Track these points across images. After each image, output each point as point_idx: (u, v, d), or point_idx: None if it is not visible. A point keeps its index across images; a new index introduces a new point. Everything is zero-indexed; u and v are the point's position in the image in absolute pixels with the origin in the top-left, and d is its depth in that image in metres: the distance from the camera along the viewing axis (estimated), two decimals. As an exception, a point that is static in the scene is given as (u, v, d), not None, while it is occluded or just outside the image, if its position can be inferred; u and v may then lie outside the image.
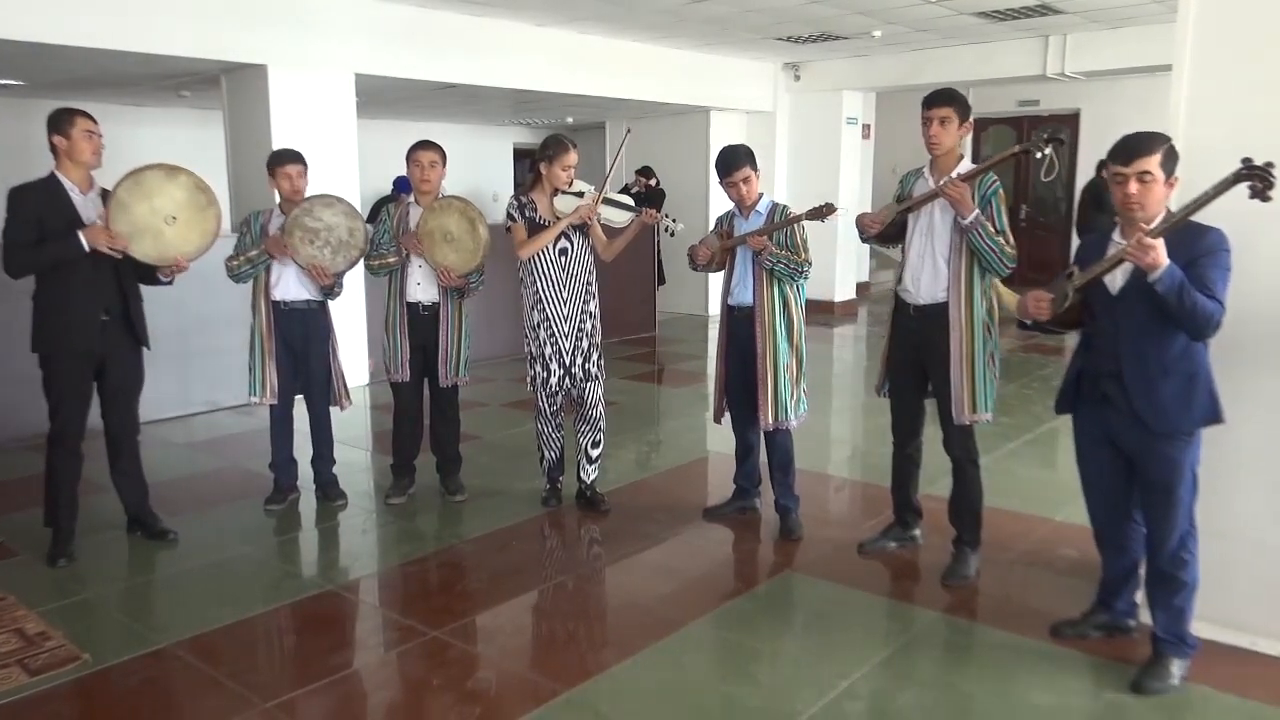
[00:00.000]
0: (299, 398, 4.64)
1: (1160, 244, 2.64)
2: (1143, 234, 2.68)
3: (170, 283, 4.05)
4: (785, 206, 4.16)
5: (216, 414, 6.47)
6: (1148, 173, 2.75)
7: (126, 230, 3.81)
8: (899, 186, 3.90)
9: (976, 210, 3.47)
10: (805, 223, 4.05)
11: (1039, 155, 3.44)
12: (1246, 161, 2.60)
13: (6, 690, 2.98)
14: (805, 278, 4.09)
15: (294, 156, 4.50)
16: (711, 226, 4.47)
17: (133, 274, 3.99)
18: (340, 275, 4.50)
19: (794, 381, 4.15)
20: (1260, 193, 2.58)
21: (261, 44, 6.62)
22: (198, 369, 6.35)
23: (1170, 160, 2.77)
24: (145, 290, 4.09)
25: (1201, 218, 2.72)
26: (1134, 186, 2.77)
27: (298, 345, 4.52)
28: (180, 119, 10.63)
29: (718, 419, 4.43)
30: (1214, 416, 2.84)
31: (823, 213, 3.99)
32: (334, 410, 4.72)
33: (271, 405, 4.55)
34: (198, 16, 6.23)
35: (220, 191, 7.00)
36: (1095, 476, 3.12)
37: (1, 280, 3.89)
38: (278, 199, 4.52)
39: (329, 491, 4.76)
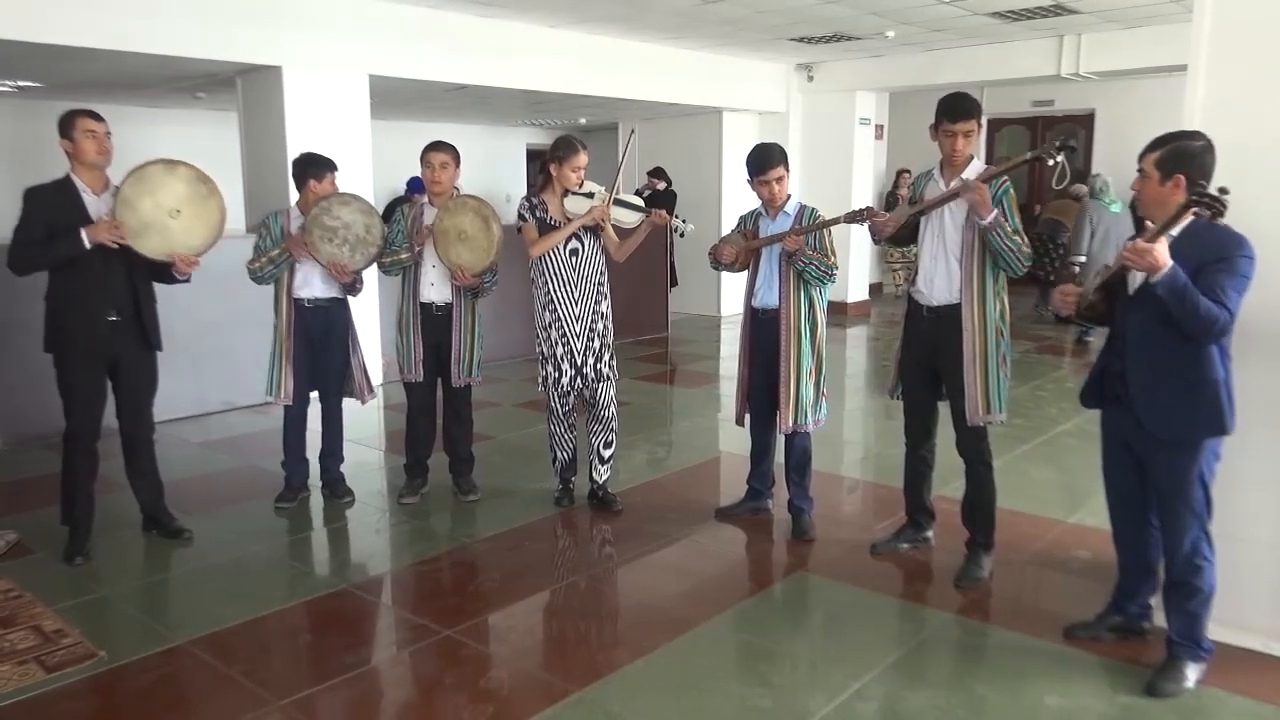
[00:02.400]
0: (314, 395, 4.67)
1: (1156, 248, 2.64)
2: (1140, 239, 2.70)
3: (187, 280, 4.06)
4: (814, 209, 4.14)
5: (232, 413, 6.51)
6: (1142, 168, 2.83)
7: (134, 226, 3.82)
8: (910, 189, 3.90)
9: (996, 211, 3.46)
10: (834, 226, 4.03)
11: (1051, 163, 3.45)
12: (1198, 189, 2.65)
13: (24, 686, 3.01)
14: (833, 281, 4.08)
15: (333, 164, 4.56)
16: (724, 227, 4.46)
17: (146, 275, 4.02)
18: (360, 271, 4.53)
19: (815, 385, 4.14)
20: (1212, 217, 2.66)
21: (276, 46, 6.65)
22: (213, 368, 6.39)
23: (1170, 161, 2.77)
24: (161, 290, 4.12)
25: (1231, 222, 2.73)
26: (1137, 181, 2.88)
27: (317, 342, 4.55)
28: (196, 121, 10.70)
29: (740, 421, 4.41)
30: (1217, 429, 2.81)
31: (862, 216, 3.92)
32: (354, 405, 4.74)
33: (286, 405, 4.59)
34: (213, 18, 6.27)
35: (236, 193, 7.10)
36: (1114, 476, 3.14)
37: (21, 281, 3.92)
38: (294, 199, 4.55)
39: (336, 489, 4.79)
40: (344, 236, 4.42)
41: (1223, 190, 2.60)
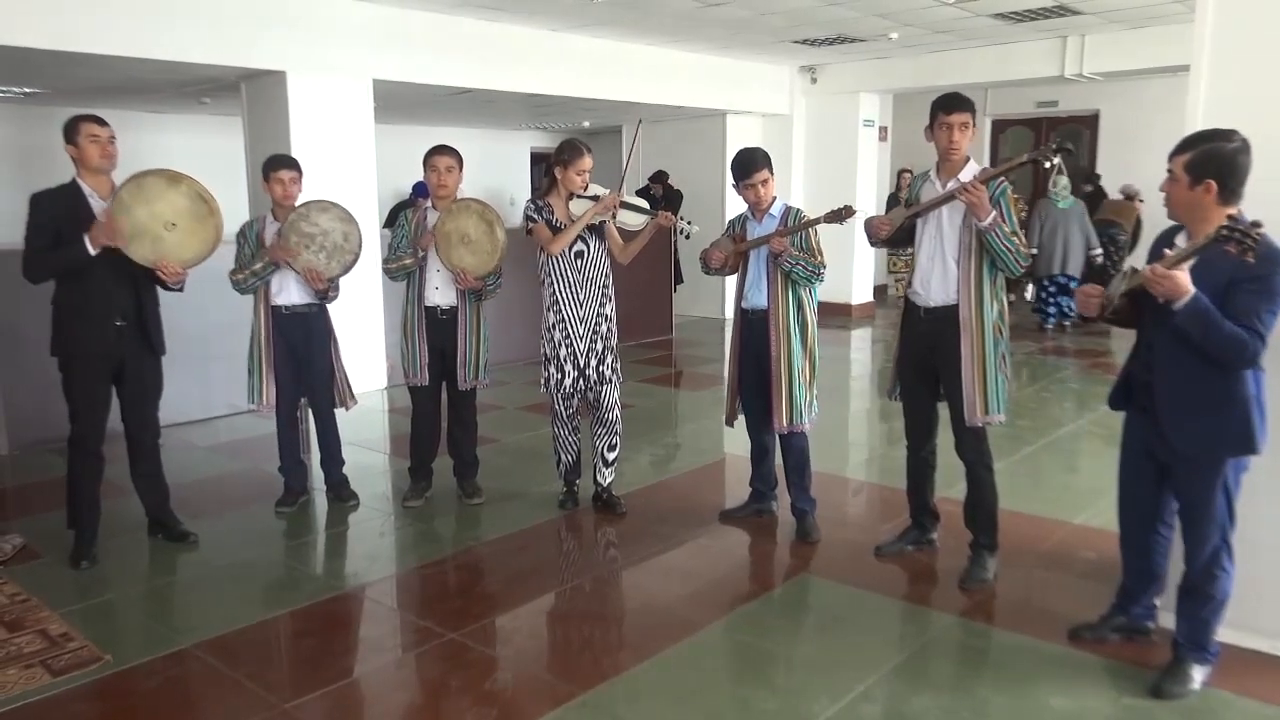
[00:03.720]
0: (304, 401, 4.69)
1: (1177, 275, 2.57)
2: (1159, 264, 2.64)
3: (180, 289, 4.07)
4: (799, 210, 4.16)
5: (237, 417, 6.51)
6: (1172, 170, 2.75)
7: (125, 230, 3.82)
8: (907, 190, 3.92)
9: (994, 212, 3.47)
10: (819, 225, 4.05)
11: (1047, 164, 3.46)
12: (1230, 220, 2.52)
13: (30, 690, 3.02)
14: (821, 280, 4.09)
15: (287, 162, 4.53)
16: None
17: (151, 281, 4.03)
18: (335, 280, 4.53)
19: (807, 384, 4.15)
20: (1241, 253, 2.46)
21: (280, 51, 6.68)
22: (219, 373, 6.40)
23: (1200, 165, 2.66)
24: (167, 295, 4.13)
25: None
26: (1165, 182, 2.78)
27: (300, 349, 4.56)
28: (201, 126, 10.73)
29: (730, 422, 4.43)
30: (1245, 448, 2.75)
31: (842, 215, 3.99)
32: (341, 411, 4.76)
33: (276, 410, 4.60)
34: (217, 24, 6.30)
35: (241, 197, 7.13)
36: (1129, 482, 3.11)
37: (29, 286, 3.93)
38: (271, 205, 4.55)
39: (340, 492, 4.81)
40: (321, 243, 4.42)
41: (1255, 224, 2.44)
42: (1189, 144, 2.73)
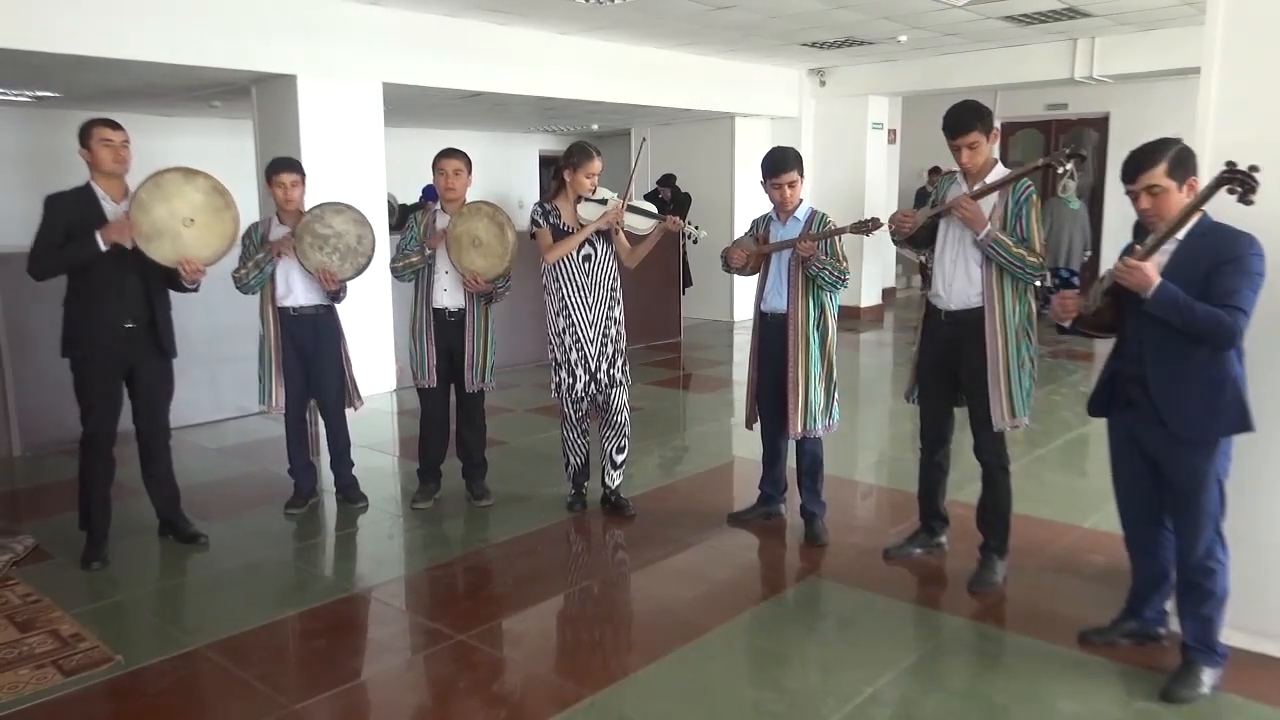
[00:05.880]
0: (313, 403, 4.71)
1: (1145, 266, 2.66)
2: (1131, 256, 2.70)
3: (195, 289, 4.09)
4: (825, 215, 4.13)
5: (247, 419, 6.54)
6: (1155, 185, 2.77)
7: (147, 230, 3.85)
8: (934, 191, 3.90)
9: (989, 227, 3.46)
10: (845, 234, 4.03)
11: (1061, 170, 3.45)
12: (1230, 165, 2.58)
13: (42, 690, 3.04)
14: (845, 285, 4.08)
15: (289, 165, 4.53)
16: (737, 232, 4.46)
17: (162, 283, 4.05)
18: (346, 281, 4.54)
19: (825, 390, 4.14)
20: (1243, 196, 2.56)
21: (291, 55, 6.71)
22: (228, 375, 6.43)
23: (1179, 166, 2.75)
24: (177, 297, 4.15)
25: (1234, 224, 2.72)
26: (1146, 201, 2.79)
27: (309, 349, 4.57)
28: (212, 129, 10.78)
29: (749, 425, 4.42)
30: (1241, 425, 2.79)
31: (868, 227, 3.96)
32: (350, 412, 4.77)
33: (285, 412, 4.61)
34: (228, 28, 6.34)
35: (250, 200, 7.15)
36: (1126, 481, 3.12)
37: (39, 288, 3.96)
38: (305, 205, 4.57)
39: (350, 494, 4.82)
40: (335, 245, 4.43)
41: (1253, 168, 2.54)
42: (1155, 157, 2.76)
